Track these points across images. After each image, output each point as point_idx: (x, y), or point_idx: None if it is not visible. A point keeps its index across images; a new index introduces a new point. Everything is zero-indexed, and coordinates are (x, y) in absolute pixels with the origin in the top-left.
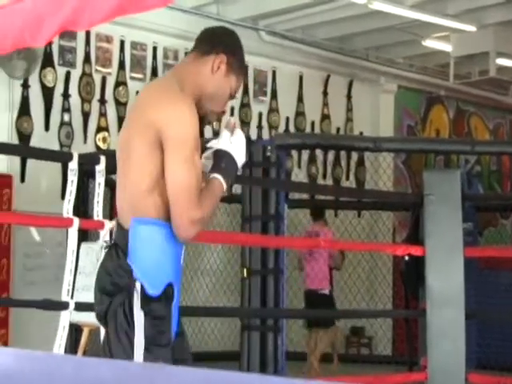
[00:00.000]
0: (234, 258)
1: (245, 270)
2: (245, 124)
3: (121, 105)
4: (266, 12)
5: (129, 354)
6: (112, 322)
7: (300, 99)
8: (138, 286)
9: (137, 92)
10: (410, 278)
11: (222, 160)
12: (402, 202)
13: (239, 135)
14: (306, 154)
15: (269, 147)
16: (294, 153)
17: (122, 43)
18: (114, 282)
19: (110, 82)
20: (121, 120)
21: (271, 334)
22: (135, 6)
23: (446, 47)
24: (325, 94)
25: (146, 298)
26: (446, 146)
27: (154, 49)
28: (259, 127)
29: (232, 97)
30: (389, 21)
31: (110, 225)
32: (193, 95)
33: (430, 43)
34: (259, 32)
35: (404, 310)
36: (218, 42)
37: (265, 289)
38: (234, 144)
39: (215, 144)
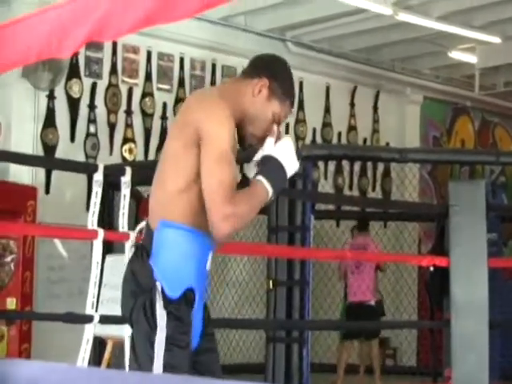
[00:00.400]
0: (259, 269)
1: (270, 282)
2: None
3: (147, 116)
4: (293, 23)
5: (150, 355)
6: (135, 324)
7: (327, 110)
8: (158, 286)
9: (163, 103)
10: (435, 288)
11: (265, 164)
12: (428, 213)
13: (285, 141)
14: (332, 165)
15: None
16: (321, 164)
17: (149, 54)
18: (138, 282)
19: (137, 93)
20: (147, 131)
21: (296, 346)
22: (163, 16)
23: (471, 58)
24: (351, 104)
25: (166, 299)
26: (471, 156)
27: (181, 60)
28: None
29: (277, 123)
30: (415, 32)
31: (140, 225)
32: (234, 113)
33: (456, 54)
34: (286, 43)
35: (429, 320)
36: (263, 66)
37: (290, 300)
38: (278, 148)
39: (260, 154)
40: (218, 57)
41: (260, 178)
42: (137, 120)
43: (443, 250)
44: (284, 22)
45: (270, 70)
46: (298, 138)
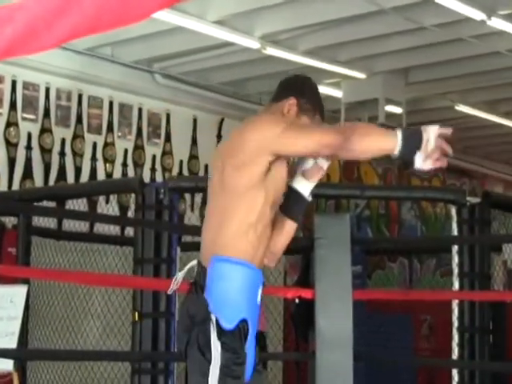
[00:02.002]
0: (125, 301)
1: (136, 314)
2: (138, 166)
3: (12, 145)
4: (161, 55)
5: None
6: (189, 357)
7: (194, 142)
8: (213, 318)
9: (28, 133)
10: (301, 320)
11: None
12: (294, 245)
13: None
14: (199, 197)
15: (162, 190)
16: (188, 196)
17: (14, 83)
18: (192, 316)
19: (1, 123)
20: (11, 161)
21: (162, 378)
22: (25, 47)
23: (337, 93)
24: (218, 137)
25: (221, 330)
26: (336, 190)
27: (47, 89)
28: (152, 170)
29: None
30: (282, 66)
31: (191, 264)
32: None
33: (322, 89)
34: (154, 74)
35: (294, 352)
36: (288, 86)
37: (156, 332)
38: (428, 131)
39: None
40: (84, 87)
41: (397, 129)
42: (1, 150)
43: (308, 282)
44: (151, 53)
45: (295, 89)
46: (164, 170)
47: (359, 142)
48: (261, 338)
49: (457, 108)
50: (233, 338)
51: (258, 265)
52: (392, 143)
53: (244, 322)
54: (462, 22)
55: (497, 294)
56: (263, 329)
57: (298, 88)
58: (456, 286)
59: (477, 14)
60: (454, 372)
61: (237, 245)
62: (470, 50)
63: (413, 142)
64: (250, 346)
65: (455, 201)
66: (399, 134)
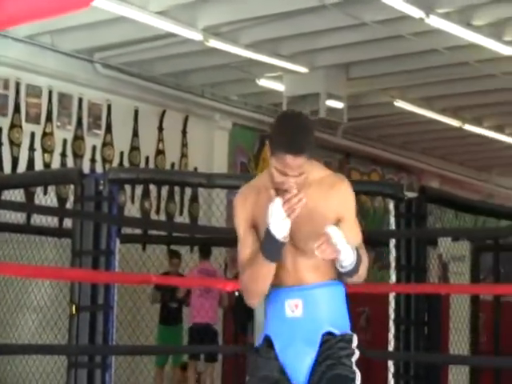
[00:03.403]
0: (62, 293)
1: (73, 306)
2: (78, 157)
3: None
4: (102, 44)
5: None
6: None
7: (135, 134)
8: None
9: None
10: (241, 313)
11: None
12: (235, 238)
13: (274, 204)
14: (139, 189)
15: (101, 181)
16: (128, 187)
17: None
18: None
19: None
20: None
21: (99, 371)
22: None
23: (279, 87)
24: (160, 129)
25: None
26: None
27: None
28: (92, 160)
29: (283, 174)
30: (224, 59)
31: None
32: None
33: (264, 82)
34: (94, 64)
35: (233, 345)
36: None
37: (94, 325)
38: (270, 214)
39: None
40: (22, 76)
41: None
42: None
43: None
44: (92, 43)
45: (270, 130)
46: (104, 161)
47: (244, 281)
48: (209, 330)
49: (396, 104)
50: (257, 351)
51: (275, 283)
52: (267, 263)
53: (266, 338)
54: (401, 19)
55: (432, 286)
56: (212, 321)
57: (271, 129)
58: (393, 278)
59: (416, 12)
60: (390, 363)
61: None
62: (409, 47)
63: (270, 247)
64: (285, 354)
65: (393, 195)
66: (264, 256)
